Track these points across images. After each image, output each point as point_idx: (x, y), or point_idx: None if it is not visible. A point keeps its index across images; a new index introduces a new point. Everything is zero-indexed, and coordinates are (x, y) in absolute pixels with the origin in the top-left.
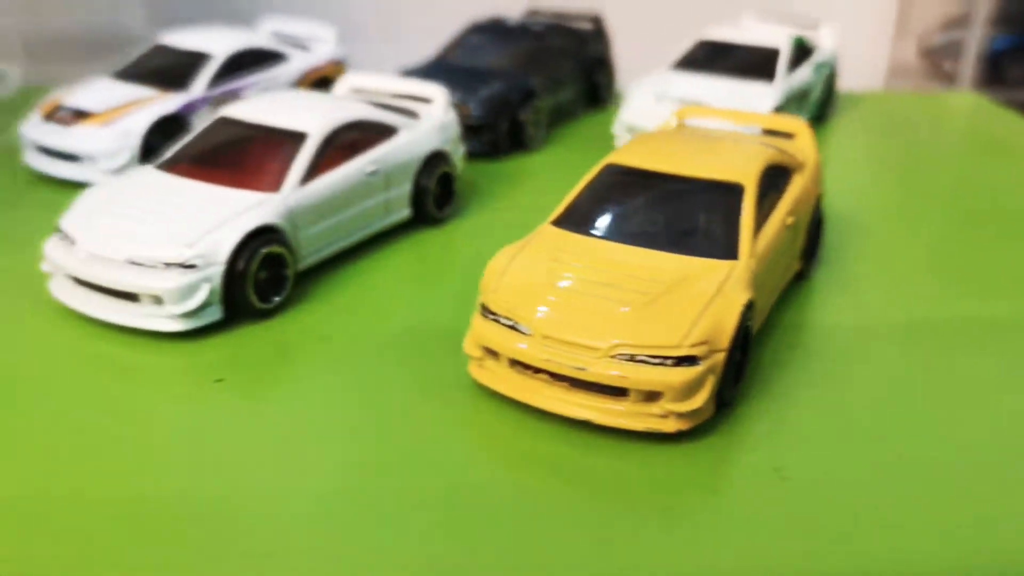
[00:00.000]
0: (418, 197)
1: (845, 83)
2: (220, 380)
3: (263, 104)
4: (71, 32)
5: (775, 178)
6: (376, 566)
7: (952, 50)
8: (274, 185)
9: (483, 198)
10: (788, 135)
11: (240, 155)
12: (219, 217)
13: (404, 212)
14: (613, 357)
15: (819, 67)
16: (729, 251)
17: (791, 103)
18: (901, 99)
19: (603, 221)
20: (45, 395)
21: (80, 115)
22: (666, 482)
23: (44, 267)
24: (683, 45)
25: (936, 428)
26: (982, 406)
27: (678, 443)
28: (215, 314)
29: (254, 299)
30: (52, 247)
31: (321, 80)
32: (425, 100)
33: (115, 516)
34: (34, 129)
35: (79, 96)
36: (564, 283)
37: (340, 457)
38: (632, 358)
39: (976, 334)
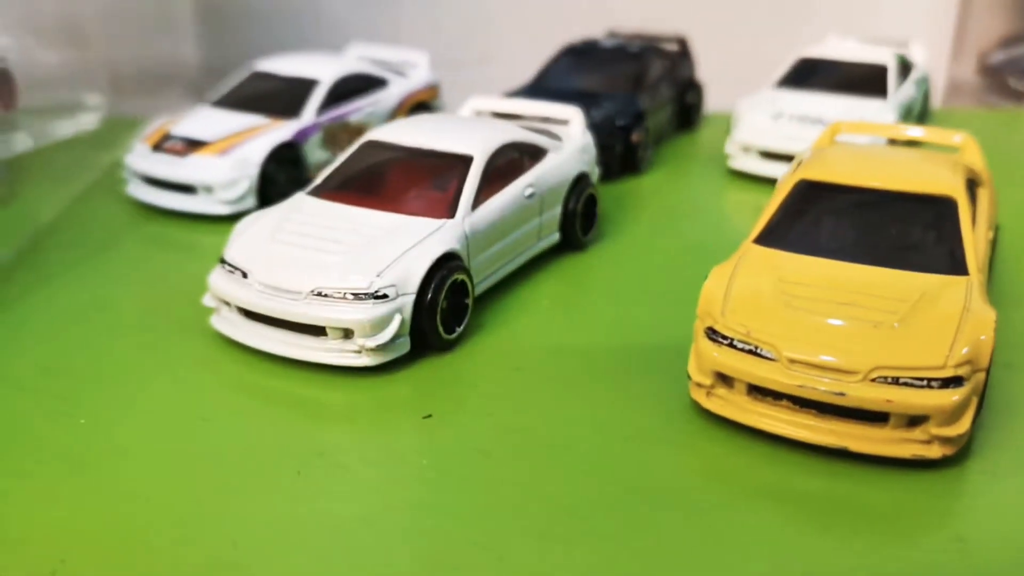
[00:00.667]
0: (565, 221)
1: None
2: (429, 416)
3: (415, 127)
4: (137, 65)
5: (971, 190)
6: None
7: (1017, 66)
8: (446, 211)
9: (609, 222)
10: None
11: (400, 180)
12: (402, 245)
13: (554, 236)
14: (874, 380)
15: (919, 83)
16: (958, 265)
17: (900, 118)
18: (971, 115)
19: (813, 238)
20: (226, 428)
21: (193, 144)
22: (928, 509)
23: (207, 301)
24: (781, 64)
25: None
26: None
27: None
28: (404, 347)
29: (441, 329)
30: (219, 279)
31: (418, 105)
32: (562, 122)
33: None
34: (141, 160)
35: (188, 125)
36: (800, 304)
37: (564, 490)
38: (895, 381)
39: None
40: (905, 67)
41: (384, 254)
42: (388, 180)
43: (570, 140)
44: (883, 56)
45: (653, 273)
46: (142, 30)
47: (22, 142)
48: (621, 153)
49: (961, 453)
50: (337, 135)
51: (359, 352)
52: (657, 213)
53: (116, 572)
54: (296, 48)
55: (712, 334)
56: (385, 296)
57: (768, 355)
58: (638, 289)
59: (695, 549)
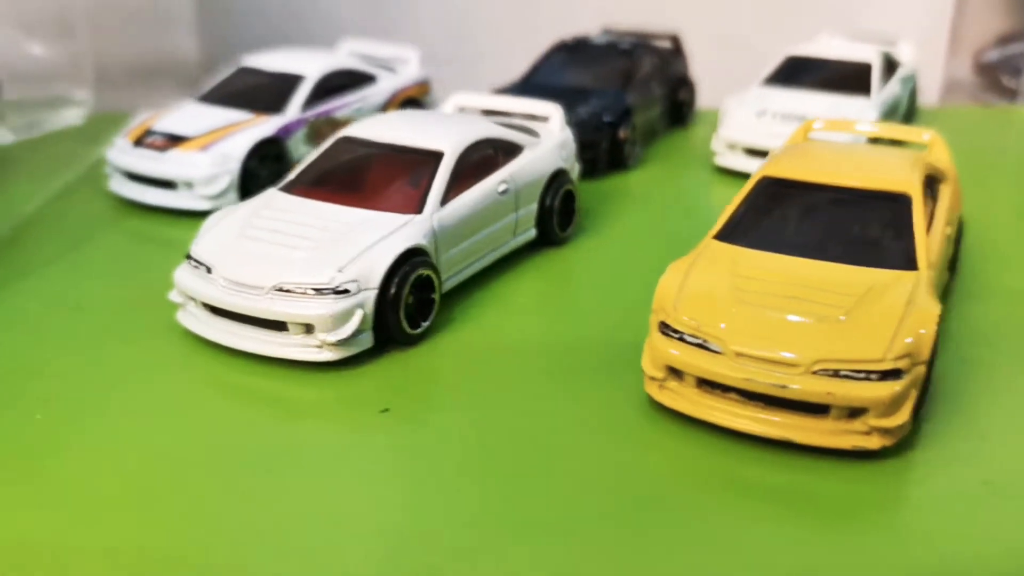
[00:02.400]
0: (542, 217)
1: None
2: (385, 411)
3: (388, 123)
4: (128, 59)
5: (931, 187)
6: None
7: (1010, 64)
8: (415, 206)
9: (592, 218)
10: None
11: (371, 176)
12: (367, 240)
13: (531, 232)
14: (816, 373)
15: (905, 81)
16: (908, 261)
17: (884, 116)
18: (965, 113)
19: (771, 234)
20: (193, 426)
21: (175, 140)
22: (872, 499)
23: (173, 296)
24: (771, 62)
25: None
26: None
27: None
28: (367, 342)
29: (405, 324)
30: (184, 275)
31: (408, 101)
32: (542, 119)
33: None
34: (123, 155)
35: (170, 121)
36: (751, 299)
37: (512, 485)
38: (835, 373)
39: None
40: (891, 65)
41: (347, 249)
42: (360, 176)
43: (548, 136)
44: (868, 54)
45: (630, 269)
46: (137, 23)
47: (1, 136)
48: (608, 149)
49: (911, 443)
50: (323, 131)
51: (321, 347)
52: (640, 209)
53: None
54: (295, 41)
55: (664, 328)
56: (346, 291)
57: (715, 348)
58: (613, 285)
59: (651, 545)
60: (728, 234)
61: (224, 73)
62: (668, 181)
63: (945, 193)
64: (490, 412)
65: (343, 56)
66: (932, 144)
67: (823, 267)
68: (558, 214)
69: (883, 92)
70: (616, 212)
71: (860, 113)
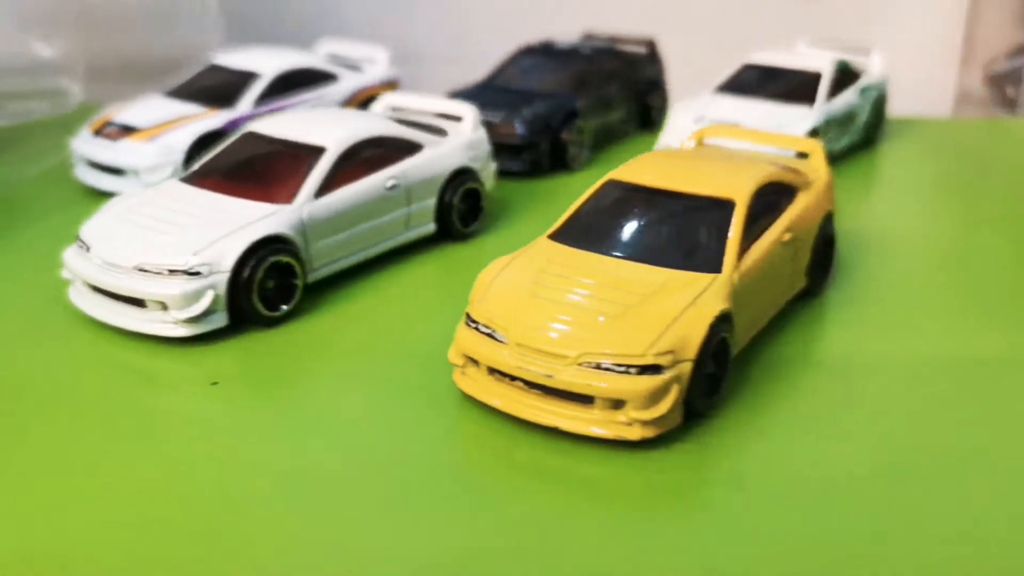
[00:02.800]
0: (443, 212)
1: (911, 108)
2: (215, 384)
3: (289, 119)
4: (149, 55)
5: (775, 195)
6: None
7: (1016, 76)
8: (288, 197)
9: (516, 215)
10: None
11: (261, 168)
12: (229, 227)
13: (428, 227)
14: (580, 365)
15: (865, 91)
16: (714, 264)
17: (832, 126)
18: (963, 125)
19: (597, 235)
20: (59, 397)
21: (127, 130)
22: (636, 488)
23: (64, 274)
24: (727, 70)
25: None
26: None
27: (654, 449)
28: (220, 321)
29: (259, 307)
30: (70, 255)
31: (371, 99)
32: (456, 119)
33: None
34: (84, 144)
35: (128, 113)
36: (544, 293)
37: (324, 466)
38: (598, 366)
39: (982, 374)
40: (849, 76)
41: (207, 235)
42: (252, 168)
43: (456, 136)
44: (821, 64)
45: None
46: (140, 18)
47: None
48: (549, 151)
49: (686, 435)
50: None
51: (176, 323)
52: (565, 208)
53: None
54: (306, 39)
55: (467, 318)
56: (198, 273)
57: (501, 338)
58: None
59: (451, 535)
60: (560, 233)
61: (197, 69)
62: None
63: (802, 201)
64: (311, 397)
65: (311, 55)
66: (812, 152)
67: (630, 267)
68: (458, 210)
69: (832, 102)
70: (540, 210)
71: (796, 122)
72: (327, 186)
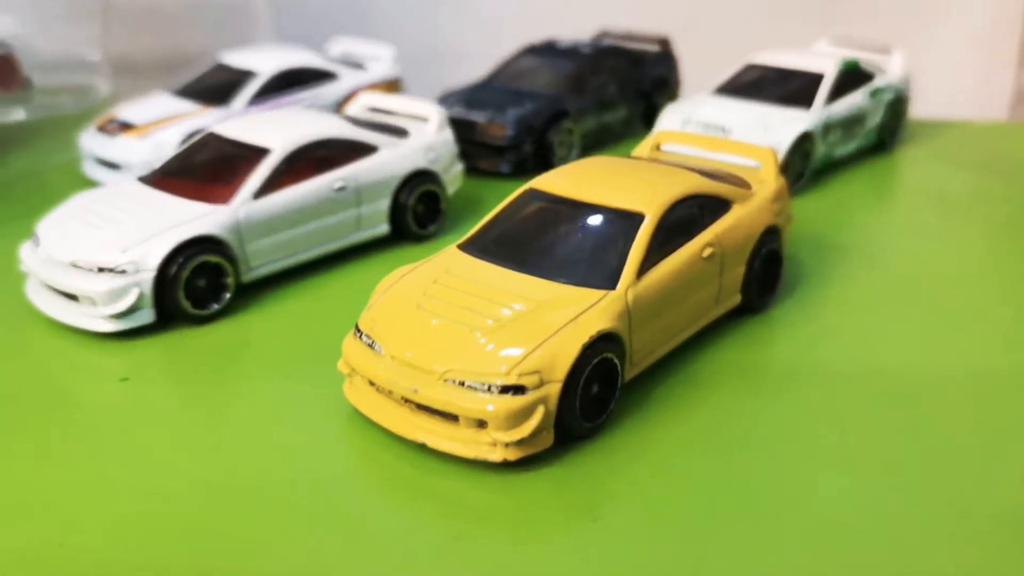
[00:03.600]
0: (399, 214)
1: (962, 112)
2: (125, 379)
3: (249, 121)
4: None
5: (699, 209)
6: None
7: None
8: (225, 198)
9: (480, 216)
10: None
11: (213, 169)
12: (161, 226)
13: (381, 228)
14: (446, 381)
15: (877, 92)
16: (610, 280)
17: (834, 130)
18: (1013, 130)
19: (503, 246)
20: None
21: (124, 127)
22: (503, 510)
23: (22, 268)
24: (729, 69)
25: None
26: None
27: (525, 472)
28: (147, 317)
29: (185, 305)
30: (25, 250)
31: None
32: (422, 119)
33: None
34: (89, 140)
35: (130, 110)
36: (429, 305)
37: (207, 471)
38: (462, 383)
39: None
40: (859, 76)
41: (138, 233)
42: (205, 169)
43: (416, 137)
44: (824, 65)
45: None
46: (182, 15)
47: (14, 114)
48: (534, 152)
49: (560, 457)
50: None
51: (104, 319)
52: None
53: None
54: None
55: (356, 327)
56: (124, 271)
57: (379, 349)
58: None
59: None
60: (469, 242)
61: (204, 67)
62: None
63: (735, 215)
64: (221, 394)
65: (309, 54)
66: (763, 161)
67: (526, 282)
68: (414, 212)
69: (833, 105)
70: None
71: (789, 125)
72: (270, 187)
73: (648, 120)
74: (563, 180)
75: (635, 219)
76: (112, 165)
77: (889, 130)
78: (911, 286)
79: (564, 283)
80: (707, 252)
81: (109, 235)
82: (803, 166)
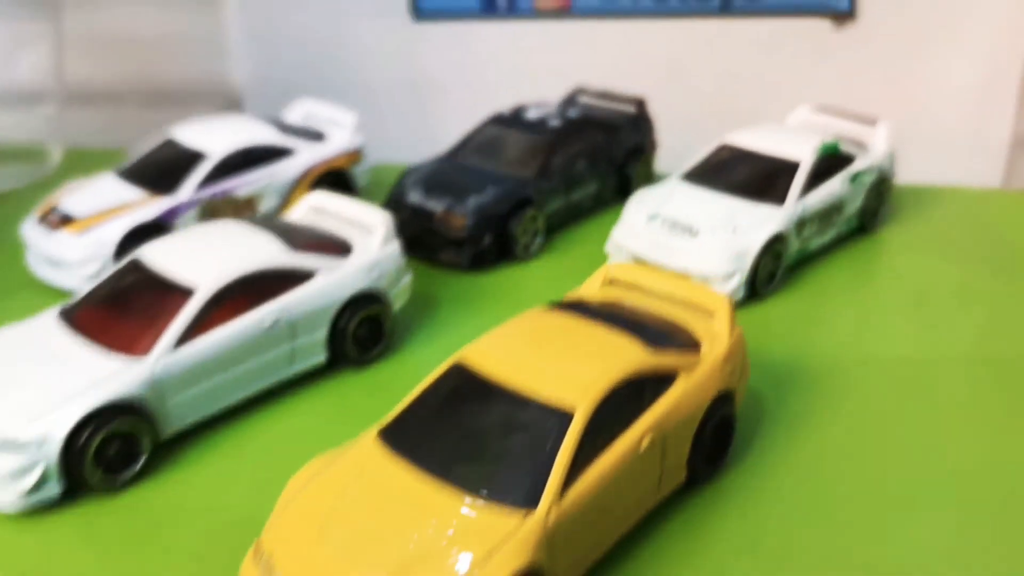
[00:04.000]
0: (338, 340)
1: (949, 178)
2: None
3: (177, 245)
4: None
5: (639, 388)
6: None
7: None
8: (144, 347)
9: (443, 321)
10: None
11: (134, 307)
12: (68, 390)
13: (317, 358)
14: None
15: (857, 177)
16: (530, 497)
17: (810, 223)
18: (1001, 198)
19: (421, 437)
20: None
21: (65, 220)
22: None
23: None
24: (703, 149)
25: None
26: None
27: None
28: (52, 490)
29: (94, 477)
30: None
31: (329, 173)
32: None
33: None
34: (30, 231)
35: (71, 198)
36: (334, 525)
37: None
38: None
39: None
40: (838, 159)
41: (47, 398)
42: (126, 307)
43: (358, 255)
44: (801, 151)
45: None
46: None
47: None
48: (492, 243)
49: None
50: (220, 210)
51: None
52: (501, 313)
53: None
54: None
55: (257, 544)
56: (26, 445)
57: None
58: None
59: None
60: (389, 429)
61: (152, 144)
62: (560, 277)
63: (679, 389)
64: None
65: (265, 128)
66: (716, 312)
67: (439, 494)
68: (354, 337)
69: (808, 197)
70: (472, 315)
71: (759, 224)
72: (193, 331)
73: (622, 191)
74: (493, 354)
75: (563, 418)
76: (54, 261)
77: (870, 213)
78: (877, 441)
79: (481, 498)
80: (646, 442)
81: (15, 399)
82: (775, 266)
